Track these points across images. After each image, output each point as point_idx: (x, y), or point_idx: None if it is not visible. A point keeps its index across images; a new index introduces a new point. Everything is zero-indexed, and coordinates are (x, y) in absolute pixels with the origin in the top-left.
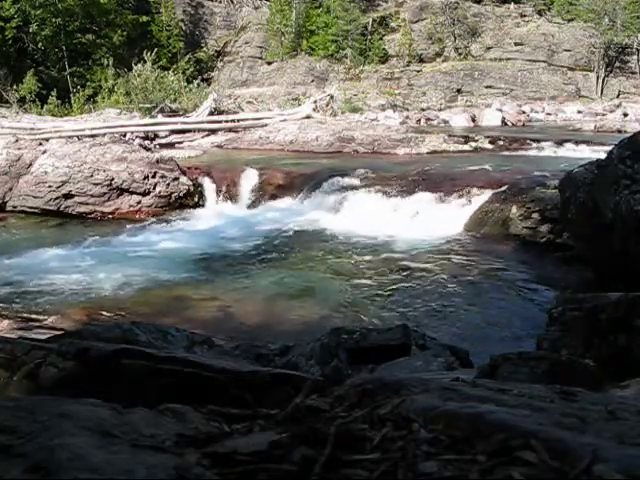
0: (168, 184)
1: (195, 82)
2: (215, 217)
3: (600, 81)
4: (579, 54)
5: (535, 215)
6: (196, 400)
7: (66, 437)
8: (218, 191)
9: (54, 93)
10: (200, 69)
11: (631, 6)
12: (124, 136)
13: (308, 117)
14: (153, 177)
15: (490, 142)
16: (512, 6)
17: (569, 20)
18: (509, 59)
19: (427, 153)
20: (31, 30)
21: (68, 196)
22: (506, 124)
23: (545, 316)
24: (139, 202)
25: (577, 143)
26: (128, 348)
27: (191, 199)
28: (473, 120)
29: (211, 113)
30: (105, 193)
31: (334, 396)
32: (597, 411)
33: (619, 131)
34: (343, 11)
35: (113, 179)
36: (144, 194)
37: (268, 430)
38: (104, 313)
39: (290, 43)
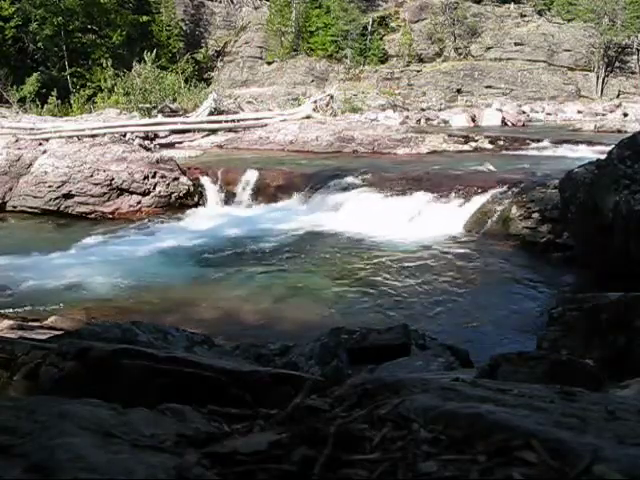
0: (168, 184)
1: (192, 82)
2: (215, 217)
3: (600, 81)
4: (579, 54)
5: (535, 215)
6: (196, 400)
7: (66, 437)
8: (218, 191)
9: (54, 93)
10: (200, 69)
11: (631, 6)
12: (124, 136)
13: (308, 117)
14: (153, 177)
15: (490, 142)
16: (512, 6)
17: (569, 20)
18: (509, 59)
19: (427, 153)
20: (31, 29)
21: (68, 196)
22: (506, 124)
23: (545, 316)
24: (139, 202)
25: (577, 143)
26: (128, 348)
27: (191, 199)
28: (473, 120)
29: (211, 113)
30: (105, 193)
31: (334, 396)
32: (597, 411)
33: (619, 131)
34: (342, 11)
35: (113, 179)
36: (144, 194)
37: (268, 430)
38: (104, 313)
39: (290, 43)
